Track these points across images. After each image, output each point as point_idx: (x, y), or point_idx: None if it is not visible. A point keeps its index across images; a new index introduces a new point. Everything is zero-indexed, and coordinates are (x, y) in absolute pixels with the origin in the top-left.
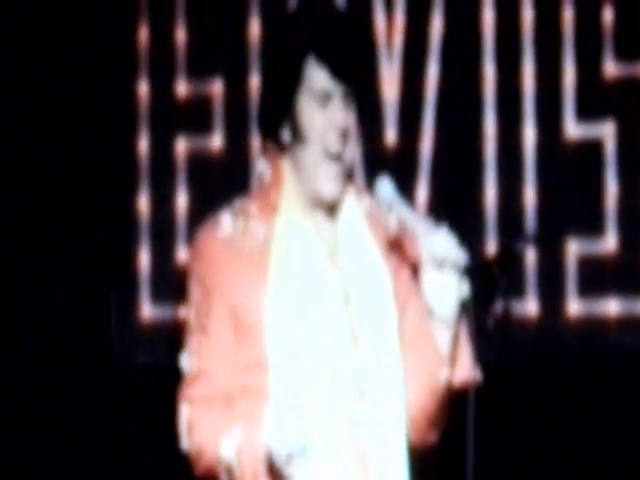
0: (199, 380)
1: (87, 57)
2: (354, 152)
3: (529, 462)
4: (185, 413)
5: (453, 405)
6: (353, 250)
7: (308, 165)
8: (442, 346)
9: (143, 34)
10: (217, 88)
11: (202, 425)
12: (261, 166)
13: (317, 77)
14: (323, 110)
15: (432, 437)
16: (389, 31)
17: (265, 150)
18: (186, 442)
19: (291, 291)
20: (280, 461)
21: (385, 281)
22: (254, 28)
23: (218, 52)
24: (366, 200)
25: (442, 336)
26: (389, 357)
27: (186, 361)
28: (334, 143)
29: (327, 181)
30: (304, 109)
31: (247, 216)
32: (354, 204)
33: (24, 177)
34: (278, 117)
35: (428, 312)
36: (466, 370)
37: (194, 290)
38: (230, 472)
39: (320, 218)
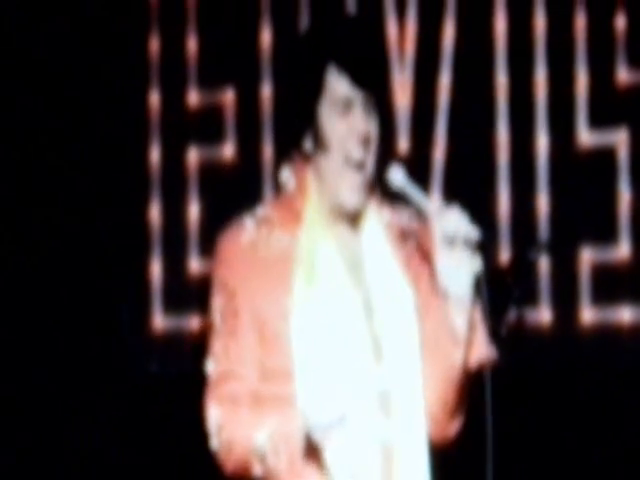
0: (227, 380)
1: (98, 68)
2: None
3: (542, 468)
4: (214, 414)
5: (470, 396)
6: (376, 266)
7: (330, 174)
8: (457, 327)
9: (154, 44)
10: (229, 97)
11: (232, 422)
12: (285, 174)
13: (338, 85)
14: (344, 118)
15: (452, 430)
16: (401, 39)
17: (289, 159)
18: (215, 441)
19: (315, 305)
20: (317, 434)
21: (407, 297)
22: (265, 37)
23: (229, 61)
24: (386, 211)
25: (457, 316)
26: (411, 373)
27: (212, 365)
28: (355, 150)
29: (349, 190)
30: (326, 117)
31: (270, 224)
32: (376, 217)
33: (34, 187)
34: (300, 127)
35: (443, 292)
36: (481, 350)
37: (218, 295)
38: (264, 461)
39: (343, 230)
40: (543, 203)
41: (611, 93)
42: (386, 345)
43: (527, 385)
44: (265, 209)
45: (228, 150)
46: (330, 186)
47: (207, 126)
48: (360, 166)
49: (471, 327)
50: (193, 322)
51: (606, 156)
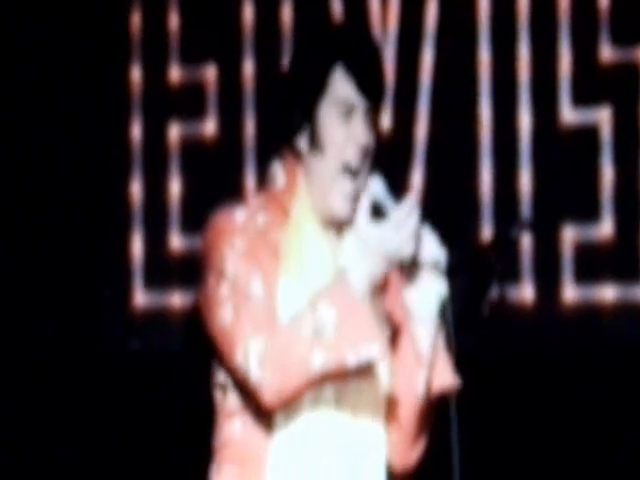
0: (250, 318)
1: (79, 43)
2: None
3: (526, 446)
4: (252, 347)
5: (434, 423)
6: None
7: (323, 179)
8: (421, 348)
9: (136, 19)
10: (210, 74)
11: (278, 334)
12: (275, 168)
13: (342, 87)
14: (345, 123)
15: (412, 458)
16: (384, 16)
17: (280, 154)
18: (257, 372)
19: (299, 304)
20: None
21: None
22: (247, 13)
23: (211, 38)
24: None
25: (422, 338)
26: (378, 391)
27: (227, 314)
28: (353, 158)
29: (341, 198)
30: (325, 119)
31: (260, 214)
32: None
33: (15, 165)
34: (297, 122)
35: (408, 314)
36: (443, 378)
37: (227, 261)
38: (321, 336)
39: (328, 236)
40: (525, 181)
41: (594, 71)
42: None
43: (509, 362)
44: (254, 200)
45: (209, 126)
46: (321, 191)
47: (189, 102)
48: (355, 175)
49: (435, 351)
50: (174, 299)
51: (589, 134)
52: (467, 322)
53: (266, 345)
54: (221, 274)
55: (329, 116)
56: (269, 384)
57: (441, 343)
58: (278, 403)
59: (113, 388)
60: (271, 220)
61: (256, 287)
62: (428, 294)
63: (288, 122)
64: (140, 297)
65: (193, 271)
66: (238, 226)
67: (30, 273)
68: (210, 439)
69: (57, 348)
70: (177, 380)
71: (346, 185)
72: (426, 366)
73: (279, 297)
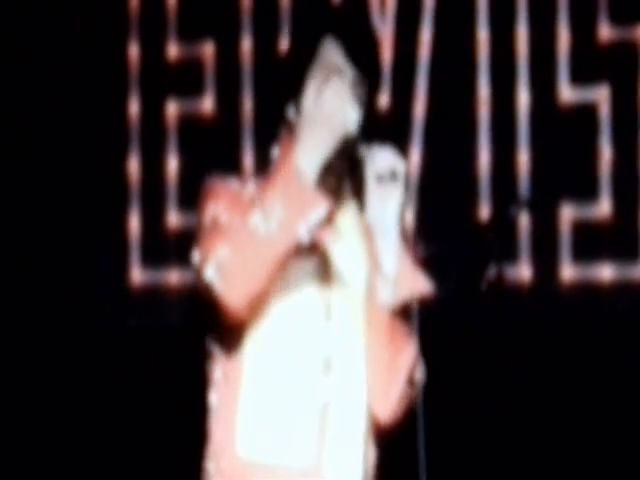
0: (212, 239)
1: (77, 20)
2: None
3: (520, 422)
4: (212, 265)
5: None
6: (341, 239)
7: None
8: (386, 265)
9: None
10: (208, 51)
11: (230, 243)
12: (274, 152)
13: (331, 55)
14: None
15: (392, 400)
16: None
17: (277, 137)
18: (219, 281)
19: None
20: None
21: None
22: None
23: (209, 15)
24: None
25: (384, 252)
26: (355, 339)
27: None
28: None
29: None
30: (310, 84)
31: (252, 183)
32: (351, 208)
33: (12, 143)
34: (288, 92)
35: (370, 227)
36: (416, 284)
37: (210, 214)
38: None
39: None
40: (524, 159)
41: (593, 50)
42: (335, 310)
43: (506, 341)
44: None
45: (207, 103)
46: None
47: (186, 79)
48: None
49: (400, 260)
50: (171, 276)
51: (587, 113)
52: (465, 302)
53: (224, 255)
54: (203, 226)
55: (314, 81)
56: (231, 287)
57: (405, 252)
58: (245, 308)
59: (109, 365)
60: (262, 186)
61: (233, 220)
62: (388, 204)
63: (279, 90)
64: (137, 274)
65: (190, 248)
66: (229, 189)
67: (27, 251)
68: (205, 416)
69: (54, 325)
70: (173, 357)
71: None
72: (391, 277)
73: None
